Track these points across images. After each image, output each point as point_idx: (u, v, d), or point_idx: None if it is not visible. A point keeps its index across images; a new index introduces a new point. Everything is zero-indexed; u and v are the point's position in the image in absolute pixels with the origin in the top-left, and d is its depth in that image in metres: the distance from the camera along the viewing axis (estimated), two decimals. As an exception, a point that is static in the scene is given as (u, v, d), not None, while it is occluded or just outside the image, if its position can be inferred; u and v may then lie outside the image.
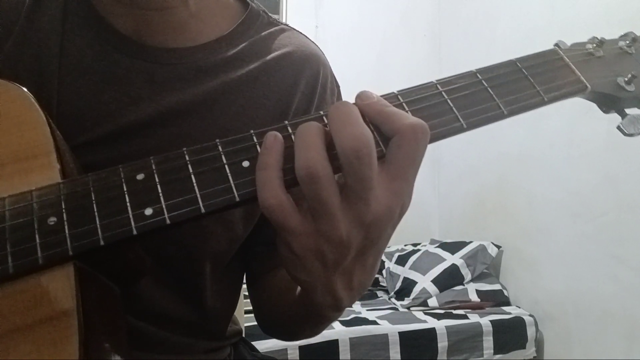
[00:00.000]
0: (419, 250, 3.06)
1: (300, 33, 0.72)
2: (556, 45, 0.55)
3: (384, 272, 3.10)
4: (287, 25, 0.71)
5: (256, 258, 0.71)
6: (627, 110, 0.55)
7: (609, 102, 0.56)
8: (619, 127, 0.54)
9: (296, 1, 3.35)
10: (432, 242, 3.17)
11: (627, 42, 0.57)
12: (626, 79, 0.55)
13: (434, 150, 3.52)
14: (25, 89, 0.47)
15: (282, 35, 0.68)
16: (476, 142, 3.12)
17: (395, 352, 2.31)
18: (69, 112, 0.56)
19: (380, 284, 3.12)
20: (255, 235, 0.69)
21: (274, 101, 0.63)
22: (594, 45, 0.56)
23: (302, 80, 0.66)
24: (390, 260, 3.10)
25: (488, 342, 2.42)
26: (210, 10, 0.65)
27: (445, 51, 3.51)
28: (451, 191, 3.46)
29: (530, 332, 2.50)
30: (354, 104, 0.42)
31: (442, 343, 2.37)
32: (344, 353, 2.24)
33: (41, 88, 0.55)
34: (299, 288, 0.53)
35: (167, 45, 0.61)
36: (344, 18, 3.44)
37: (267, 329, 0.71)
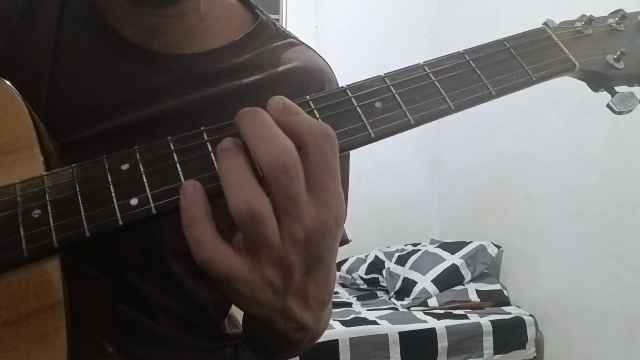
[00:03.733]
0: (419, 250, 3.06)
1: (308, 47, 0.71)
2: (544, 24, 0.54)
3: (384, 272, 3.10)
4: (296, 38, 0.70)
5: None
6: (617, 88, 0.55)
7: (598, 80, 0.55)
8: (608, 105, 0.54)
9: (296, 1, 3.35)
10: (432, 242, 3.17)
11: (617, 19, 0.57)
12: (615, 57, 0.54)
13: (433, 150, 3.52)
14: (6, 82, 0.46)
15: (290, 49, 0.67)
16: (476, 142, 3.11)
17: (395, 352, 2.31)
18: (60, 110, 0.56)
19: (380, 284, 3.12)
20: None
21: None
22: (583, 23, 0.55)
23: (306, 95, 0.65)
24: (390, 260, 3.09)
25: (488, 342, 2.42)
26: (218, 15, 0.64)
27: (445, 51, 3.45)
28: (451, 191, 3.45)
29: (530, 332, 2.49)
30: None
31: (442, 343, 2.37)
32: (344, 353, 2.24)
33: (31, 84, 0.55)
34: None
35: (171, 51, 0.60)
36: (344, 18, 3.44)
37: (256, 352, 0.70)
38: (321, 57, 0.71)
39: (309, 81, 0.66)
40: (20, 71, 0.56)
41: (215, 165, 0.40)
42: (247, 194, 0.36)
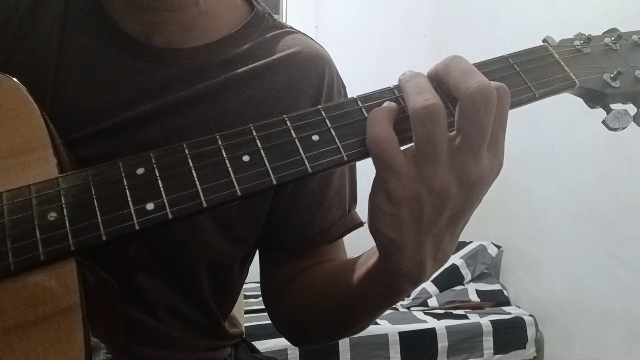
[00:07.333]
0: (419, 250, 3.05)
1: (306, 35, 0.71)
2: (544, 41, 0.55)
3: (384, 272, 3.10)
4: (292, 28, 0.71)
5: (273, 266, 0.71)
6: (612, 106, 0.57)
7: (595, 97, 0.57)
8: (603, 122, 0.56)
9: (296, 1, 3.35)
10: (432, 242, 3.17)
11: (613, 38, 0.59)
12: (612, 75, 0.55)
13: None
14: (17, 81, 0.46)
15: (287, 37, 0.68)
16: (476, 142, 3.11)
17: (395, 352, 2.31)
18: (65, 108, 0.56)
19: (380, 284, 3.11)
20: (265, 241, 0.68)
21: (277, 100, 0.63)
22: (582, 41, 0.57)
23: (307, 81, 0.66)
24: (390, 260, 3.09)
25: (488, 342, 2.42)
26: (217, 8, 0.65)
27: (445, 51, 3.50)
28: (451, 191, 3.45)
29: (530, 332, 2.49)
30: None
31: (442, 343, 2.37)
32: (344, 353, 2.24)
33: (36, 83, 0.55)
34: (365, 270, 0.52)
35: (173, 46, 0.61)
36: (344, 18, 3.44)
37: (306, 337, 0.70)
38: (319, 44, 0.72)
39: (310, 65, 0.67)
40: (26, 69, 0.56)
41: (231, 172, 0.40)
42: (427, 94, 0.40)
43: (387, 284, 0.48)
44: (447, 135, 0.40)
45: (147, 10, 0.59)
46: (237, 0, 0.69)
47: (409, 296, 2.74)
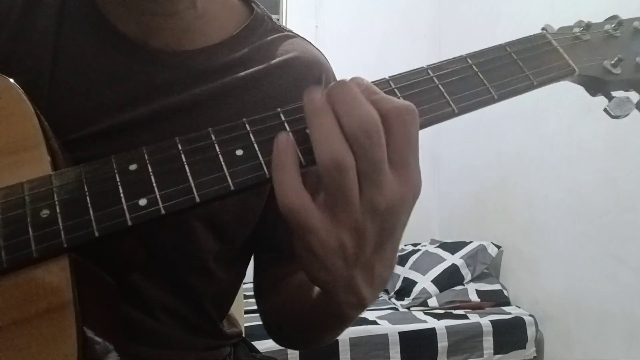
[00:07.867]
0: (419, 250, 3.06)
1: (304, 39, 0.71)
2: (544, 29, 0.55)
3: (383, 272, 3.09)
4: (291, 31, 0.71)
5: (264, 267, 0.71)
6: (614, 93, 0.56)
7: (596, 85, 0.56)
8: (605, 110, 0.55)
9: (296, 1, 3.35)
10: (432, 242, 3.17)
11: (613, 25, 0.58)
12: (612, 62, 0.55)
13: (433, 150, 3.51)
14: (12, 81, 0.46)
15: (286, 41, 0.68)
16: (476, 142, 3.11)
17: (395, 352, 2.31)
18: (61, 108, 0.56)
19: (380, 284, 3.11)
20: (259, 242, 0.68)
21: (274, 106, 0.63)
22: (581, 29, 0.56)
23: (304, 87, 0.66)
24: (390, 260, 3.09)
25: (488, 342, 2.42)
26: (216, 11, 0.64)
27: (445, 51, 3.50)
28: (451, 191, 3.45)
29: (530, 332, 2.49)
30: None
31: (442, 343, 2.37)
32: (344, 353, 2.24)
33: (32, 83, 0.55)
34: (316, 290, 0.51)
35: (171, 48, 0.61)
36: (344, 18, 3.44)
37: (283, 340, 0.71)
38: (317, 48, 0.72)
39: (307, 71, 0.67)
40: (21, 70, 0.56)
41: (224, 167, 0.40)
42: (333, 145, 0.38)
43: (332, 311, 0.48)
44: (356, 179, 0.38)
45: (143, 13, 0.59)
46: (236, 3, 0.69)
47: (408, 296, 2.74)
